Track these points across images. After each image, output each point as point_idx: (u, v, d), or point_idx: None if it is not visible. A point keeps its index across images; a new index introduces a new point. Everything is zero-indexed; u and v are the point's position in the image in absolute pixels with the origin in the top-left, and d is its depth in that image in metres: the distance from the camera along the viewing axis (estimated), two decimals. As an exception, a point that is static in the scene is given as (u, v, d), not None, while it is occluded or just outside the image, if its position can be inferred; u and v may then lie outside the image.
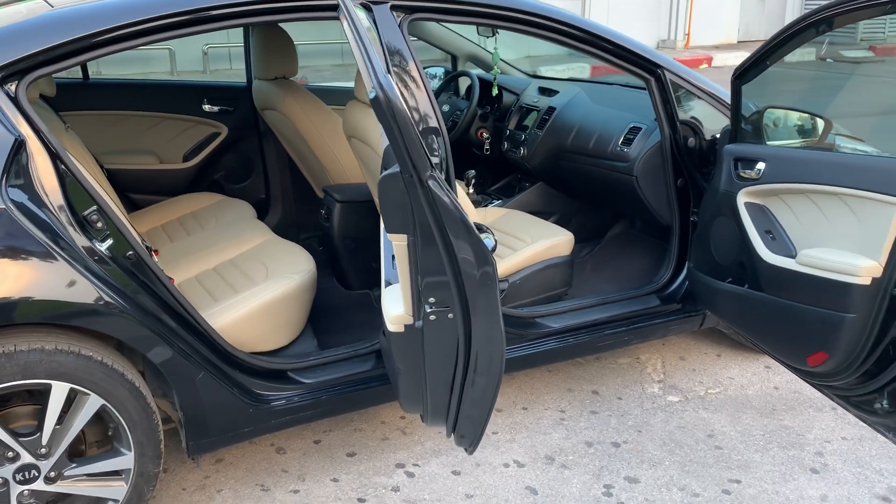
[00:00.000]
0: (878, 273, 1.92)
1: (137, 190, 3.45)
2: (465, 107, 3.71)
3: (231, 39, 10.73)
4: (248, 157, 3.63)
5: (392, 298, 1.78)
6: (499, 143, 3.69)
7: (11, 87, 1.87)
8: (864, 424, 2.65)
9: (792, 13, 19.84)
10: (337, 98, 3.66)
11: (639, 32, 16.97)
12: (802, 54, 16.57)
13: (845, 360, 2.06)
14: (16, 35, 1.90)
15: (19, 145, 1.83)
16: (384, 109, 1.45)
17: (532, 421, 2.72)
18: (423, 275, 1.61)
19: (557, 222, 3.37)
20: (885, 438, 2.56)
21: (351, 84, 2.98)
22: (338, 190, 3.01)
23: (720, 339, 3.31)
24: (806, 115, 2.58)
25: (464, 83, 3.95)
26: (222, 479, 2.40)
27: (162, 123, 3.45)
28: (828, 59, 16.70)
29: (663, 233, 3.10)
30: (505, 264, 2.75)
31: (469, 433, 1.88)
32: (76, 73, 3.28)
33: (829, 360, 2.08)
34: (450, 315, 1.66)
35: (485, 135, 3.72)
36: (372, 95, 1.46)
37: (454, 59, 4.06)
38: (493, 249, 1.62)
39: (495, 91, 3.68)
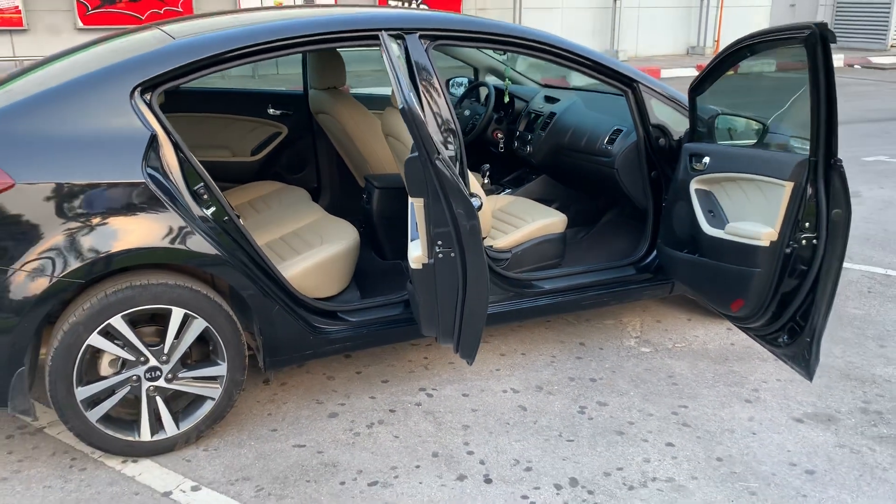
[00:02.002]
0: (775, 237, 2.58)
1: (213, 178, 4.20)
2: (483, 112, 4.42)
3: (278, 47, 11.60)
4: (303, 153, 4.38)
5: (414, 247, 2.50)
6: (510, 142, 4.40)
7: (148, 96, 2.62)
8: (797, 371, 3.29)
9: (823, 20, 20.14)
10: (376, 104, 4.39)
11: (668, 40, 17.46)
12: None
13: (756, 305, 2.72)
14: (150, 59, 2.65)
15: (153, 138, 2.58)
16: (409, 116, 2.17)
17: (528, 362, 3.41)
18: (433, 226, 2.33)
19: (558, 209, 4.05)
20: (806, 378, 3.22)
21: (386, 90, 3.69)
22: (376, 178, 3.73)
23: (693, 307, 3.96)
24: (749, 120, 3.23)
25: (483, 92, 4.67)
26: (286, 396, 3.14)
27: (234, 124, 4.22)
28: (855, 66, 17.03)
29: (645, 219, 3.76)
30: (509, 238, 3.45)
31: (468, 348, 2.59)
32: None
33: (746, 306, 2.74)
34: (452, 254, 2.37)
35: (499, 135, 4.43)
36: (401, 107, 2.18)
37: (476, 70, 4.78)
38: (479, 209, 2.32)
39: (507, 99, 4.39)
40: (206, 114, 4.16)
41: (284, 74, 12.36)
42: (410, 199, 2.42)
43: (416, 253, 2.46)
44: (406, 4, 14.22)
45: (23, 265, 2.41)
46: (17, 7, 11.72)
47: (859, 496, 2.52)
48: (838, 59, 16.91)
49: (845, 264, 4.58)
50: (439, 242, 2.36)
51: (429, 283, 2.46)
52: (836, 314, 3.88)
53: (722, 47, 18.76)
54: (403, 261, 3.73)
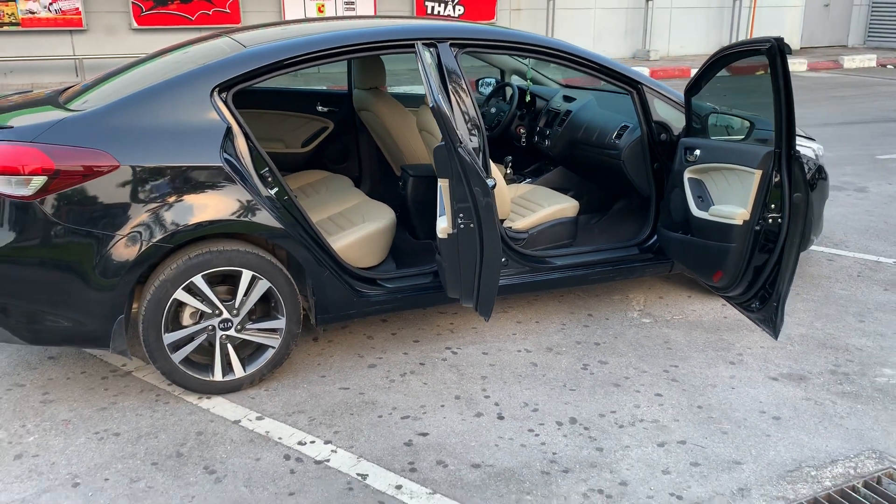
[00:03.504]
0: (747, 217, 3.04)
1: None
2: (508, 109, 4.92)
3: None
4: (346, 146, 4.93)
5: (441, 221, 3.03)
6: (531, 137, 4.89)
7: (224, 94, 3.18)
8: (779, 339, 3.74)
9: (858, 20, 20.19)
10: (411, 102, 4.92)
11: (699, 40, 17.68)
12: (863, 61, 17.06)
13: (732, 276, 3.18)
14: (227, 63, 3.20)
15: (228, 129, 3.13)
16: (437, 113, 2.69)
17: (541, 329, 3.90)
18: (456, 202, 2.85)
19: (573, 197, 4.54)
20: (791, 347, 3.65)
21: (418, 90, 4.18)
22: (411, 168, 4.25)
23: (693, 285, 4.42)
24: (741, 118, 3.68)
25: (508, 92, 5.17)
26: (333, 350, 3.68)
27: (288, 119, 4.78)
28: (888, 66, 17.12)
29: (648, 206, 4.23)
30: (526, 220, 3.94)
31: (485, 306, 3.10)
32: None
33: (724, 277, 3.21)
34: (471, 225, 2.89)
35: (521, 130, 4.93)
36: (431, 105, 2.70)
37: (502, 72, 5.29)
38: (493, 187, 2.83)
39: (528, 98, 4.88)
40: (262, 110, 4.72)
41: (321, 73, 12.99)
42: (439, 182, 2.94)
43: (443, 225, 2.98)
44: (442, 5, 14.74)
45: (126, 232, 2.97)
46: (77, 9, 12.51)
47: (816, 437, 2.97)
48: (870, 60, 17.05)
49: (839, 251, 4.99)
50: (461, 215, 2.88)
51: (453, 250, 2.98)
52: (823, 294, 4.31)
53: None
54: (433, 240, 4.25)
